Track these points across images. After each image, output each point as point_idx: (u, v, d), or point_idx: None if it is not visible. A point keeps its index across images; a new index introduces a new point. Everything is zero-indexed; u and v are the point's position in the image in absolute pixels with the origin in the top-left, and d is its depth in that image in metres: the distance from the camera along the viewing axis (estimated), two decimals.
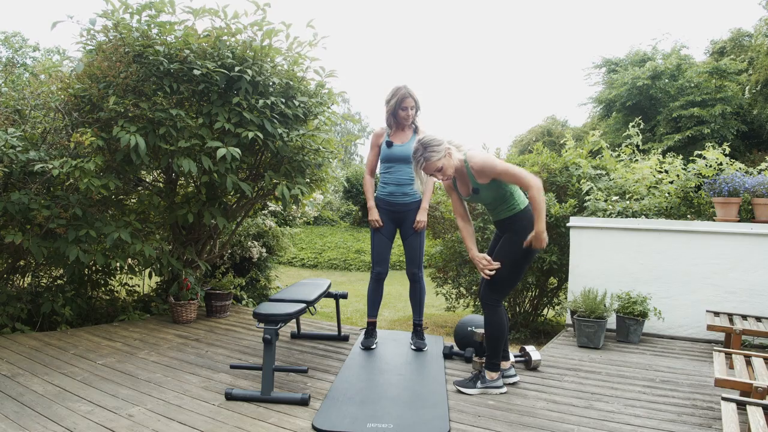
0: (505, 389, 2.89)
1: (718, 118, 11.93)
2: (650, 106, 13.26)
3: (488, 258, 2.85)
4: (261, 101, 3.93)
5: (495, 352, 2.89)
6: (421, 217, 3.52)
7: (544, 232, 2.67)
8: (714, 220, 4.40)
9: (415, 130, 3.55)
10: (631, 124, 5.57)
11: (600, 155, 5.64)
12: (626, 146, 5.51)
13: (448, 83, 58.46)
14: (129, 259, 4.21)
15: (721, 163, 4.78)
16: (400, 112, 3.43)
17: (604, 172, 5.37)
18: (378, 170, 3.70)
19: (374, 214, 3.53)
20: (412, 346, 3.64)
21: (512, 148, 22.57)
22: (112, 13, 3.84)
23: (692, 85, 12.69)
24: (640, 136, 5.48)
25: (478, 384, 2.86)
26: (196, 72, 3.72)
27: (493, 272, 2.80)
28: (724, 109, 11.92)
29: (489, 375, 2.88)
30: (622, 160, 5.48)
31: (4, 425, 2.30)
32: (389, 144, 3.50)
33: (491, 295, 2.85)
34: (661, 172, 5.08)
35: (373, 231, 3.58)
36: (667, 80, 13.13)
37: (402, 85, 3.42)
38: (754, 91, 12.04)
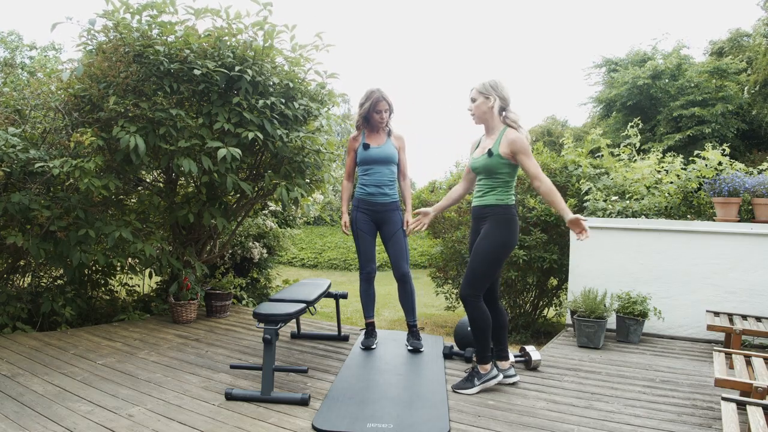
0: (501, 377, 2.92)
1: (718, 117, 11.91)
2: (650, 105, 13.25)
3: (419, 217, 3.15)
4: (261, 101, 3.93)
5: (483, 345, 2.90)
6: (409, 217, 3.61)
7: (573, 215, 2.72)
8: (714, 220, 4.40)
9: (389, 134, 3.59)
10: (630, 124, 5.56)
11: (599, 155, 5.64)
12: (625, 146, 5.50)
13: (448, 83, 58.46)
14: (129, 259, 4.21)
15: (720, 163, 4.77)
16: (374, 115, 3.46)
17: (603, 171, 5.37)
18: (356, 172, 3.71)
19: (344, 218, 3.61)
20: (409, 347, 3.64)
21: None
22: (113, 13, 3.83)
23: (692, 84, 12.68)
24: (639, 137, 5.47)
25: (476, 381, 2.87)
26: (197, 72, 3.72)
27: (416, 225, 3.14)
28: (724, 108, 11.91)
29: (482, 368, 2.90)
30: (622, 160, 5.48)
31: (4, 425, 2.30)
32: (366, 146, 3.51)
33: (468, 290, 2.86)
34: (660, 171, 5.07)
35: (357, 233, 3.58)
36: (667, 80, 13.11)
37: (376, 89, 3.46)
38: (753, 91, 12.03)
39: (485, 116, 2.88)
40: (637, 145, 5.47)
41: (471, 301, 2.86)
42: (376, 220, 3.57)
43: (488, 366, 2.90)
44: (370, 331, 3.71)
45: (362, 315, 3.77)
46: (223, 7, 3.97)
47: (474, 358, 3.33)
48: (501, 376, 2.92)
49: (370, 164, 3.53)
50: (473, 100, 2.90)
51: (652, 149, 5.40)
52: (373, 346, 3.65)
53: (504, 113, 2.88)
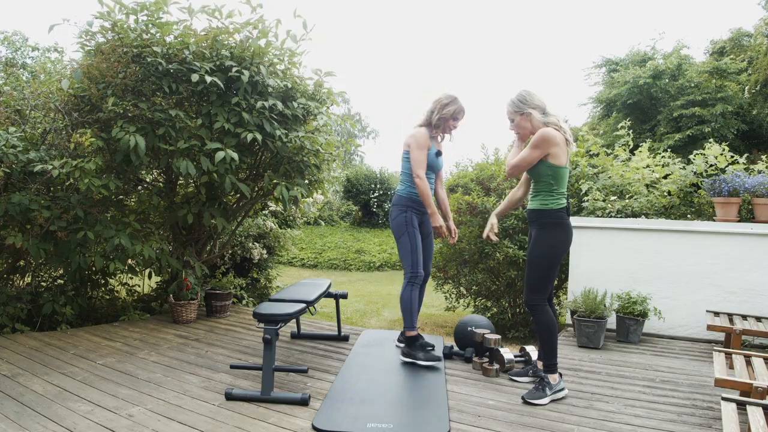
0: (566, 392, 2.83)
1: (718, 117, 11.91)
2: (651, 105, 13.24)
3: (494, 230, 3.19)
4: (260, 102, 3.92)
5: (551, 353, 2.84)
6: (452, 225, 3.61)
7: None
8: (714, 220, 4.40)
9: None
10: (620, 124, 5.59)
11: (595, 153, 5.63)
12: (620, 147, 5.50)
13: (447, 83, 58.43)
14: (129, 260, 4.21)
15: (716, 157, 4.76)
16: (451, 122, 3.41)
17: (601, 170, 5.37)
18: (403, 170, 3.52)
19: (440, 219, 3.36)
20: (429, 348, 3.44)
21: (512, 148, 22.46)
22: (108, 13, 3.83)
23: (692, 84, 12.67)
24: (630, 137, 5.48)
25: (547, 391, 2.75)
26: (195, 77, 3.69)
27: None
28: (724, 108, 11.90)
29: (551, 378, 2.80)
30: (622, 161, 5.47)
31: (4, 425, 2.30)
32: (438, 153, 3.46)
33: (532, 297, 2.85)
34: (655, 169, 5.06)
35: (411, 230, 3.36)
36: (667, 80, 13.10)
37: (457, 97, 3.40)
38: (753, 91, 12.02)
39: (531, 131, 2.86)
40: (631, 144, 5.48)
41: (535, 306, 2.85)
42: (420, 221, 3.48)
43: (556, 376, 2.81)
44: (424, 342, 3.34)
45: (362, 315, 3.75)
46: (218, 7, 3.97)
47: (474, 358, 3.33)
48: (566, 391, 2.83)
49: (431, 170, 3.46)
50: (512, 121, 2.92)
51: (641, 145, 5.36)
52: (439, 355, 3.32)
53: (546, 119, 2.83)
